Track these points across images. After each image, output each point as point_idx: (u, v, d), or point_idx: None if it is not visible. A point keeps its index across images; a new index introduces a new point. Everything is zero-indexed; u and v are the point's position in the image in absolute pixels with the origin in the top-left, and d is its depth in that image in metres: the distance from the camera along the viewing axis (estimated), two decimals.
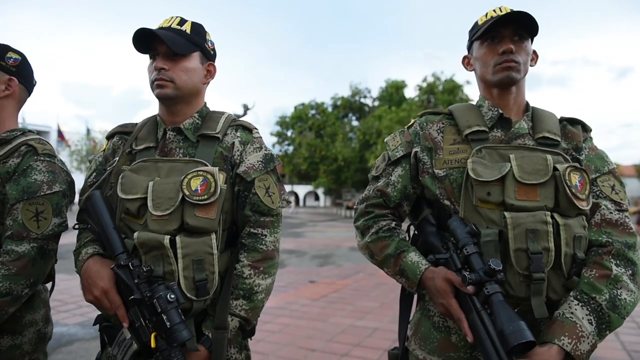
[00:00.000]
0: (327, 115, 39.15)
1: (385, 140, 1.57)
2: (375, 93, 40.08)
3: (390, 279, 1.48)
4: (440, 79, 30.69)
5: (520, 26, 1.37)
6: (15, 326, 1.50)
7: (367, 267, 9.15)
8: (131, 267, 1.27)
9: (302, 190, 56.08)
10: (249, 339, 1.50)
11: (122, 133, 1.56)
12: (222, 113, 1.56)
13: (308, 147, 35.80)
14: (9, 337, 1.49)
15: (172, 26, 1.46)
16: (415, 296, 1.49)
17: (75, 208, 1.75)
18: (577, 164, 1.31)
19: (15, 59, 1.60)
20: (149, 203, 1.31)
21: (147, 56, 1.48)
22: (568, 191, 1.24)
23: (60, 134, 34.97)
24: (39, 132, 1.83)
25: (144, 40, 1.43)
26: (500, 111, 1.41)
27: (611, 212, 1.31)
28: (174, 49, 1.40)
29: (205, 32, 1.53)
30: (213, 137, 1.47)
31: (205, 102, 1.58)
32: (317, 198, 60.68)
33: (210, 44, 1.55)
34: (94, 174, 1.54)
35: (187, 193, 1.30)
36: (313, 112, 40.11)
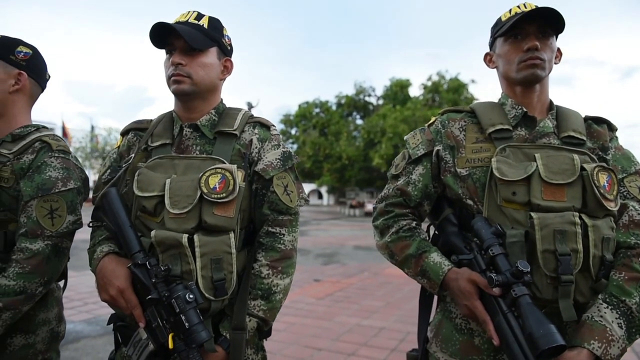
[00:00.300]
0: (331, 114, 39.14)
1: (404, 138, 1.55)
2: (379, 92, 40.06)
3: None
4: (445, 77, 30.64)
5: (546, 23, 1.34)
6: (28, 325, 1.48)
7: (372, 266, 9.14)
8: (148, 266, 1.24)
9: (305, 188, 55.05)
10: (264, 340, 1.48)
11: (137, 129, 1.54)
12: (239, 109, 1.53)
13: (312, 145, 35.77)
14: (22, 336, 1.47)
15: (189, 20, 1.43)
16: (435, 297, 1.46)
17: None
18: (604, 164, 1.29)
19: (26, 53, 1.57)
20: (167, 201, 1.28)
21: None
22: (597, 191, 1.21)
23: (64, 131, 35.06)
24: None
25: (161, 34, 1.40)
26: (525, 109, 1.38)
27: (639, 214, 1.28)
28: (191, 43, 1.37)
29: (222, 27, 1.50)
30: (230, 134, 1.44)
31: (222, 99, 1.55)
32: (320, 196, 60.69)
33: (227, 39, 1.52)
34: (108, 170, 1.51)
35: (205, 191, 1.27)
36: (317, 110, 40.11)
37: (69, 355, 3.92)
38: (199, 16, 1.45)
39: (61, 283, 1.66)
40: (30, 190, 1.41)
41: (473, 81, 30.18)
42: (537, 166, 1.25)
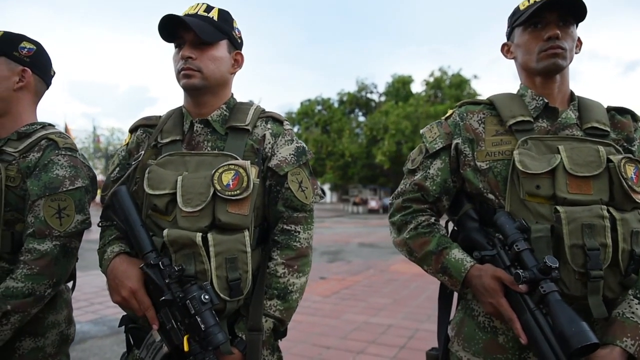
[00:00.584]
0: (333, 111, 39.09)
1: (421, 131, 1.50)
2: (381, 88, 40.02)
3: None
4: (447, 73, 30.55)
5: (567, 11, 1.30)
6: (37, 328, 1.44)
7: (377, 263, 9.11)
8: (161, 267, 1.20)
9: None
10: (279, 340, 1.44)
11: (146, 126, 1.49)
12: (250, 104, 1.49)
13: (314, 143, 35.74)
14: (31, 339, 1.43)
15: (198, 13, 1.39)
16: (456, 295, 1.42)
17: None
18: (631, 155, 1.25)
19: (29, 49, 1.53)
20: (179, 199, 1.24)
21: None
22: (624, 184, 1.17)
23: (66, 132, 35.14)
24: None
25: (169, 28, 1.36)
26: (546, 100, 1.34)
27: None
28: (202, 36, 1.33)
29: (233, 19, 1.46)
30: (242, 130, 1.40)
31: (232, 93, 1.51)
32: (323, 194, 60.71)
33: (237, 32, 1.47)
34: (117, 168, 1.47)
35: (218, 188, 1.23)
36: (319, 107, 40.07)
37: (76, 356, 3.89)
38: (209, 8, 1.41)
39: (70, 284, 1.62)
40: (37, 189, 1.38)
41: (475, 77, 30.07)
42: (561, 158, 1.21)
